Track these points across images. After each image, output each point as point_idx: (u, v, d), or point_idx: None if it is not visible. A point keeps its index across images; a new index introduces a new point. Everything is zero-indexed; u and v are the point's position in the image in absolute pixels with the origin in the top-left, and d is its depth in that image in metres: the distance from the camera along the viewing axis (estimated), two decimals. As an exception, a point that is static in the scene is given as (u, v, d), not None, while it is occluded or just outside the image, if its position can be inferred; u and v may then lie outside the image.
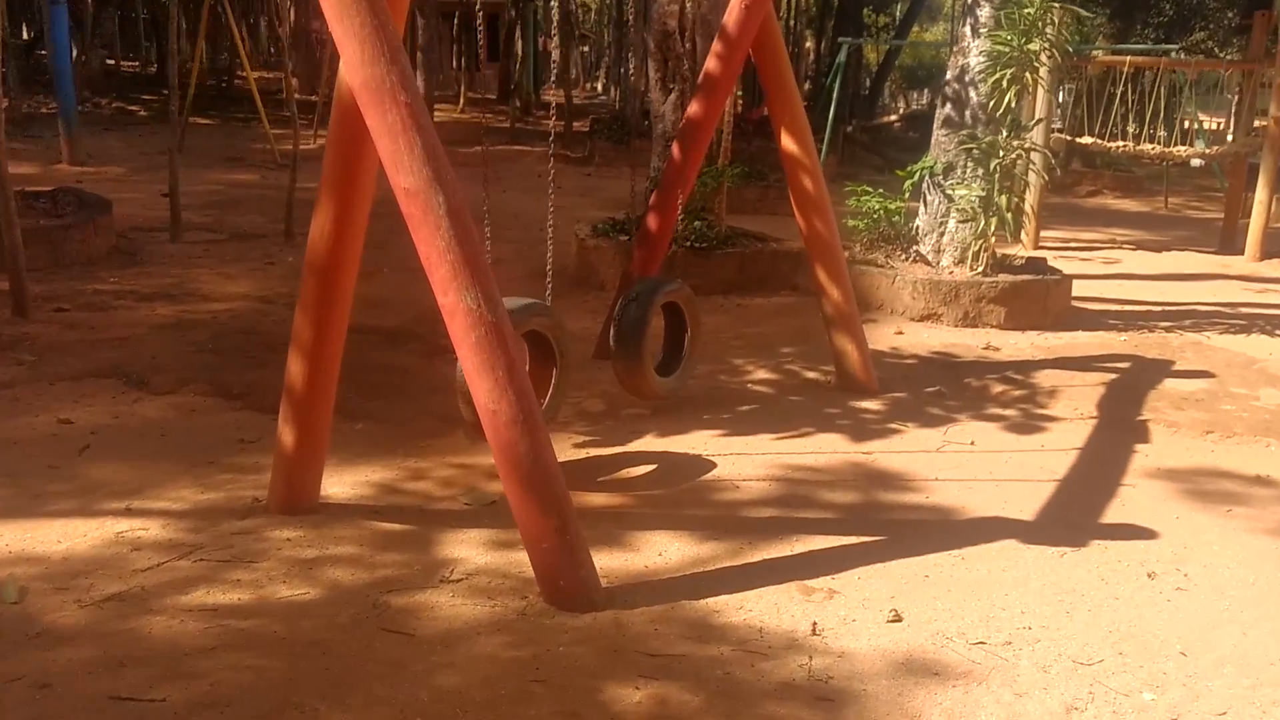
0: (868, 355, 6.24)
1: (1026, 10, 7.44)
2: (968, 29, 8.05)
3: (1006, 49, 7.53)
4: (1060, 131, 12.42)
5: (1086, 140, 11.79)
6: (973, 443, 5.47)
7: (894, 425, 5.68)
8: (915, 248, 8.37)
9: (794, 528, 4.32)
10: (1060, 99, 14.94)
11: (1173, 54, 15.21)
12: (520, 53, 28.74)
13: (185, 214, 9.78)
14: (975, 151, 7.83)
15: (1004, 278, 7.79)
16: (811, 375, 6.50)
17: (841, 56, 16.24)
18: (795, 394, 6.20)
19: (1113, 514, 4.62)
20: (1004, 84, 7.54)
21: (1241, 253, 11.36)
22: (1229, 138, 14.37)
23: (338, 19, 3.50)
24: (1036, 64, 7.51)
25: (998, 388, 6.37)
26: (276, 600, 3.54)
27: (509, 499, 3.56)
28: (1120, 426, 5.77)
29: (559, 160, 13.60)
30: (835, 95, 15.81)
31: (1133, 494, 4.84)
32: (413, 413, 5.50)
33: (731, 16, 5.73)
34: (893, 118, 23.97)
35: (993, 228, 7.68)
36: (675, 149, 6.20)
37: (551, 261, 5.23)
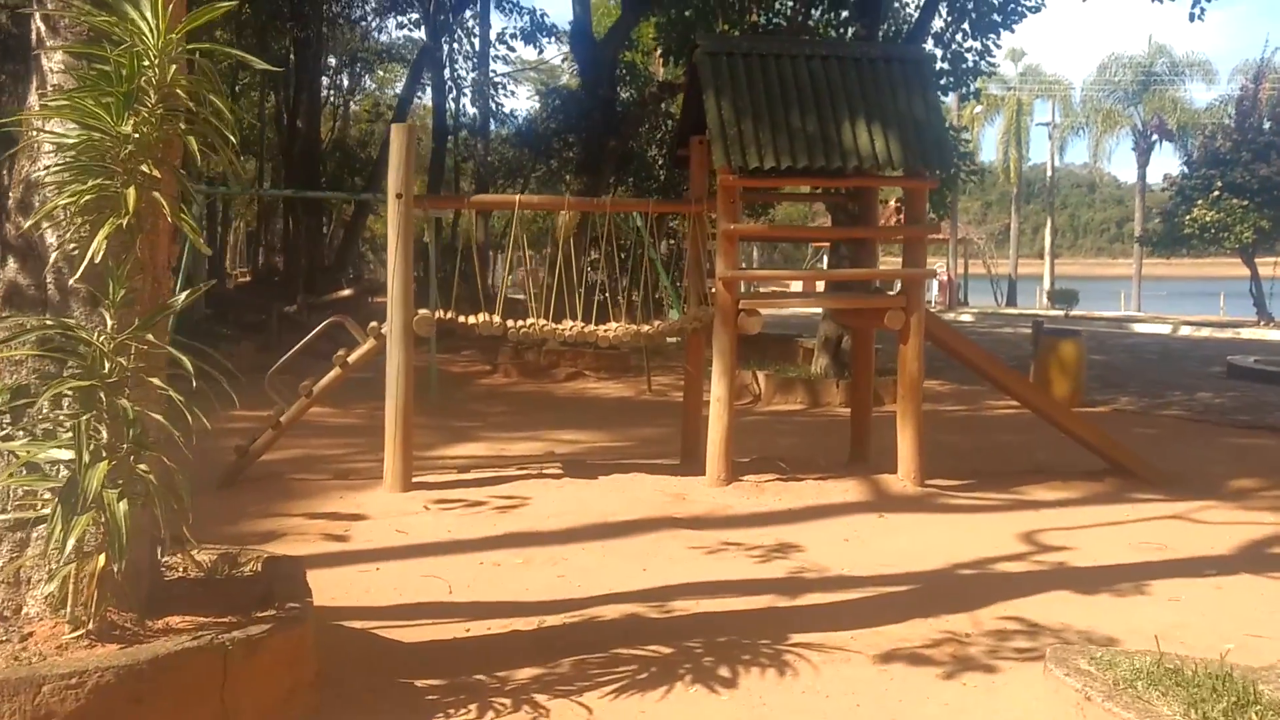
0: None
1: (122, 56, 3.34)
2: (34, 98, 3.80)
3: (92, 136, 3.37)
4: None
5: (464, 319, 7.95)
6: None
7: None
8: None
9: None
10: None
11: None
12: None
13: None
14: (70, 363, 3.53)
15: (126, 652, 3.34)
16: None
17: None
18: None
19: None
20: (77, 208, 3.36)
21: (704, 472, 7.96)
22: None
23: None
24: (149, 166, 3.38)
25: None
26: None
27: None
28: None
29: None
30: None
31: None
32: None
33: None
34: (346, 291, 19.74)
35: (78, 535, 3.30)
36: None
37: None
